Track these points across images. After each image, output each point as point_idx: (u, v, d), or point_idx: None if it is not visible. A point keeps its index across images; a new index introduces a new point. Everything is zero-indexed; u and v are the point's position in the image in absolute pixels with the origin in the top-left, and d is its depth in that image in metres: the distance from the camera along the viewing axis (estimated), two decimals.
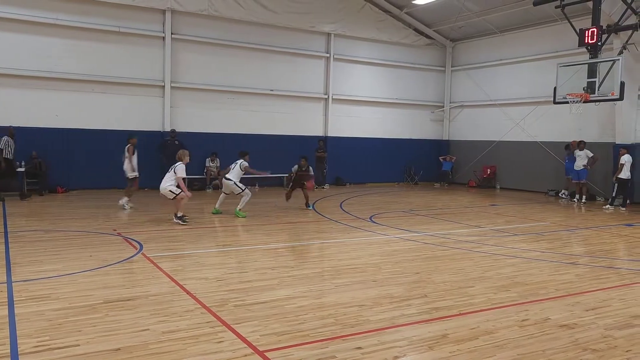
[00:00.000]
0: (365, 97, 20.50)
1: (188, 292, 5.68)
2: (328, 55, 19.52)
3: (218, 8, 16.92)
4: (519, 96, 19.31)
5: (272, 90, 18.41)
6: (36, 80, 14.81)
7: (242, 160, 11.62)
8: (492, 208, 14.45)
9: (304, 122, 19.34)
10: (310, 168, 12.82)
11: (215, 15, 16.99)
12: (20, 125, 14.17)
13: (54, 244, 8.18)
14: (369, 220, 11.46)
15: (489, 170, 20.29)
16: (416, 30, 21.25)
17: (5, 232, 8.88)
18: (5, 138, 13.24)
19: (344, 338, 4.49)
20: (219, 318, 4.88)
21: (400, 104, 21.41)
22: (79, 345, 4.18)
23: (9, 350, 4.03)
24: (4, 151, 13.05)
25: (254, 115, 18.19)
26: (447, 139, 22.61)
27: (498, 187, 20.14)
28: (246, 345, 4.26)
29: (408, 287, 6.17)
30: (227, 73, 17.60)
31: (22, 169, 14.08)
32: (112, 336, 4.39)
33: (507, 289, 6.19)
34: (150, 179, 16.39)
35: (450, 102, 22.43)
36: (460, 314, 5.23)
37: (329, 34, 19.41)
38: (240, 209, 11.40)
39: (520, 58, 19.19)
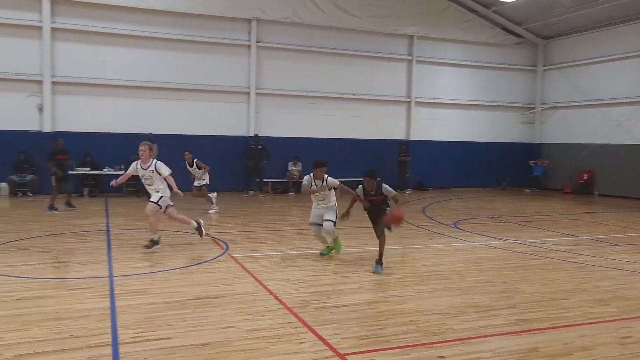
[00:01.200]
0: (449, 99, 20.01)
1: (271, 293, 5.82)
2: (410, 57, 19.26)
3: (301, 15, 17.27)
4: (620, 95, 17.95)
5: (353, 94, 18.47)
6: (133, 89, 15.90)
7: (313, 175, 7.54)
8: (589, 216, 13.52)
9: (386, 126, 19.19)
10: (387, 188, 7.12)
11: (298, 22, 17.36)
12: (119, 132, 15.28)
13: (141, 243, 8.69)
14: (452, 226, 11.14)
15: (585, 175, 19.02)
16: (505, 29, 20.42)
17: (107, 230, 9.60)
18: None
19: (426, 345, 4.39)
20: (300, 319, 4.96)
21: (487, 106, 20.64)
22: (170, 338, 4.42)
23: (110, 340, 4.35)
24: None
25: (335, 120, 18.33)
26: (538, 142, 21.47)
27: (596, 193, 18.81)
28: (327, 348, 4.29)
29: (495, 297, 5.92)
30: (309, 78, 17.90)
31: (122, 172, 15.15)
32: (200, 331, 4.59)
33: (606, 303, 5.75)
34: (236, 182, 17.11)
35: (542, 104, 21.31)
36: (552, 327, 4.93)
37: (411, 36, 19.16)
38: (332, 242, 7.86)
39: (622, 54, 17.85)
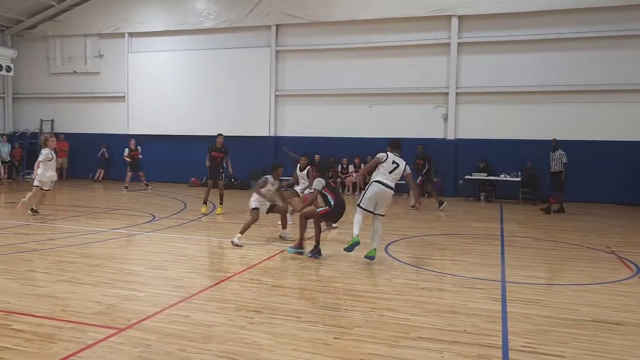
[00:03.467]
0: None
1: None
2: None
3: None
4: None
5: None
6: (530, 95, 15.64)
7: None
8: None
9: None
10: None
11: None
12: (515, 138, 15.26)
13: (544, 253, 8.36)
14: None
15: None
16: None
17: (502, 235, 9.73)
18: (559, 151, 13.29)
19: None
20: None
21: None
22: (564, 357, 4.10)
23: (500, 343, 4.38)
24: (555, 164, 13.18)
25: None
26: None
27: None
28: None
29: None
30: None
31: (518, 179, 15.12)
32: (598, 357, 4.09)
33: None
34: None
35: None
36: None
37: None
38: None
39: None
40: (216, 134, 12.08)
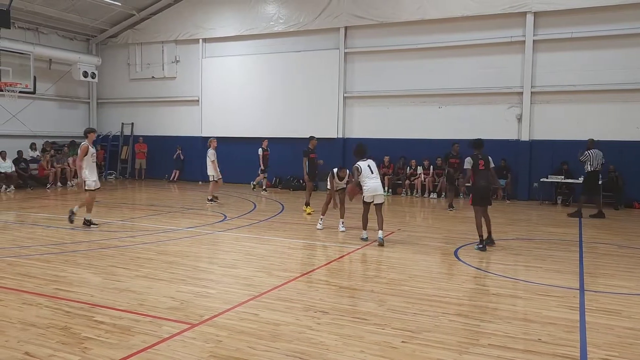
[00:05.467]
0: None
1: None
2: None
3: None
4: None
5: None
6: (616, 93, 14.67)
7: None
8: None
9: None
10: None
11: None
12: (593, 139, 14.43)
13: (627, 261, 7.84)
14: None
15: None
16: None
17: (580, 242, 9.22)
18: (594, 151, 12.53)
19: None
20: None
21: None
22: None
23: (578, 354, 4.16)
24: (588, 164, 12.46)
25: None
26: None
27: None
28: None
29: None
30: None
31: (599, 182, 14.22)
32: None
33: None
34: None
35: None
36: None
37: None
38: None
39: None
40: (309, 137, 12.93)
